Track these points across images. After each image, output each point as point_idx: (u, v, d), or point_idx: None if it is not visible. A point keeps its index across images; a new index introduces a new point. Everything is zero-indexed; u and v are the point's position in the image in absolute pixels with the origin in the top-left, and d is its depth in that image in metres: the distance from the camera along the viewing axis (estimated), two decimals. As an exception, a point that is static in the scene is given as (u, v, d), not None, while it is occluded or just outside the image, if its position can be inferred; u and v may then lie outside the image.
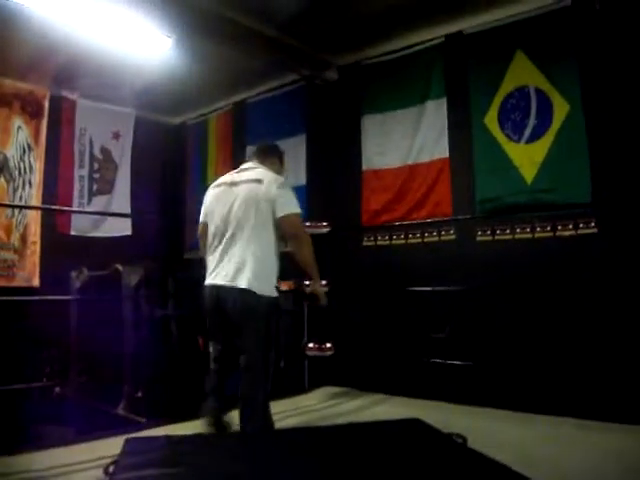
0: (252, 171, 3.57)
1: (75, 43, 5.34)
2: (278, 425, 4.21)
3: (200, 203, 3.77)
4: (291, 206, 3.41)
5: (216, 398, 3.62)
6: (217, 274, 3.40)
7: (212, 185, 3.72)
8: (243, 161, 7.15)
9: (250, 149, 7.29)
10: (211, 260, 3.49)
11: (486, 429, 3.96)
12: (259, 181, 3.43)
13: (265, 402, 3.41)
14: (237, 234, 3.37)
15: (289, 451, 2.99)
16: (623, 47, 4.47)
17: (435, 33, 5.64)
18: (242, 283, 3.28)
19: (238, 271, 3.31)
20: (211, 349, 3.68)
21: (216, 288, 3.38)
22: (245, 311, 3.30)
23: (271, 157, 3.80)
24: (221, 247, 3.43)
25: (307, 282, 3.71)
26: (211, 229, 3.53)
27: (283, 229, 3.38)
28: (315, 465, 2.74)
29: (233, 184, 3.53)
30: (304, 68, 6.33)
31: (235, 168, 7.16)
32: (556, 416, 4.27)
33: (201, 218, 3.68)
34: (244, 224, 3.36)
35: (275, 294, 3.42)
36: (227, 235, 3.40)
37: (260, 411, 3.38)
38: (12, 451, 3.56)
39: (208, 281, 3.47)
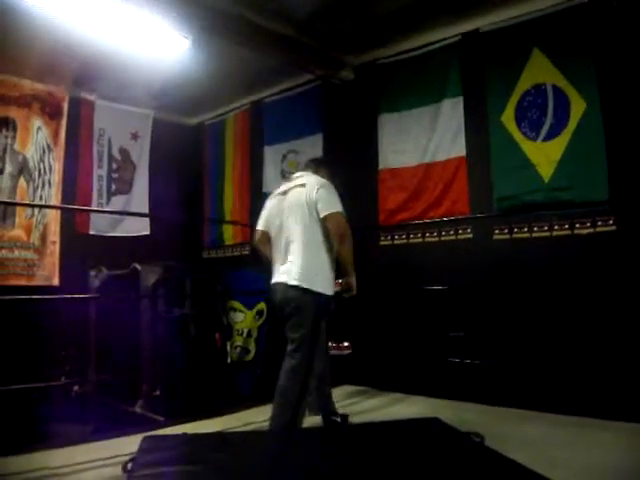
0: (300, 178, 3.89)
1: (93, 44, 5.38)
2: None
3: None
4: (333, 205, 3.65)
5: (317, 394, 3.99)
6: (276, 274, 3.77)
7: (270, 196, 4.06)
8: (261, 161, 7.30)
9: (270, 149, 7.34)
10: (274, 263, 3.84)
11: (504, 428, 3.95)
12: (303, 185, 3.77)
13: (298, 399, 3.51)
14: (290, 238, 3.70)
15: (308, 450, 3.00)
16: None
17: (451, 32, 5.62)
18: (292, 280, 3.58)
19: (290, 271, 3.62)
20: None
21: (274, 285, 3.75)
22: (293, 306, 3.59)
23: (323, 168, 4.08)
24: (280, 252, 3.77)
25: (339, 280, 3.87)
26: (272, 237, 3.88)
27: (327, 228, 3.63)
28: (335, 464, 2.75)
29: (285, 193, 3.87)
30: (320, 68, 6.33)
31: (253, 168, 7.24)
32: (576, 416, 4.24)
33: (258, 226, 4.04)
34: (294, 228, 3.69)
35: (327, 292, 3.65)
36: (283, 240, 3.74)
37: (289, 408, 3.49)
38: (31, 449, 3.59)
39: (274, 280, 3.79)
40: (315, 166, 4.08)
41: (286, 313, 3.66)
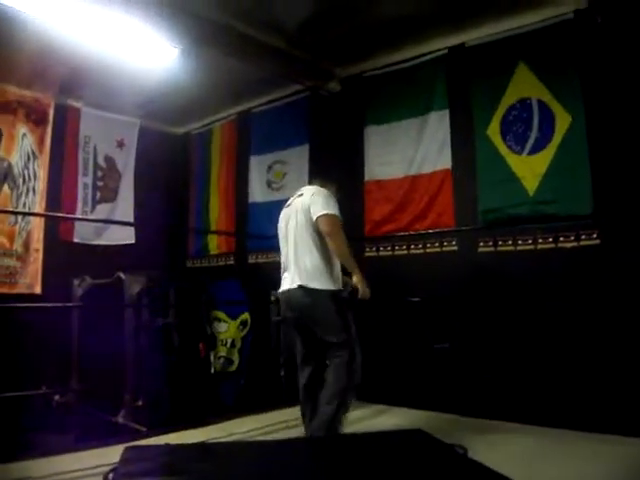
0: (302, 190, 4.08)
1: (81, 51, 5.36)
2: (279, 436, 4.22)
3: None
4: (324, 207, 3.76)
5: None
6: (284, 282, 3.92)
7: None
8: (247, 171, 7.31)
9: (256, 159, 7.34)
10: (281, 274, 3.99)
11: (488, 440, 3.95)
12: (301, 195, 3.99)
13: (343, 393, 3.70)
14: (294, 247, 3.87)
15: (290, 461, 2.99)
16: (624, 60, 4.49)
17: (437, 45, 5.66)
18: (297, 283, 3.77)
19: (295, 275, 3.80)
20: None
21: (283, 293, 3.92)
22: (310, 306, 3.75)
23: (329, 185, 4.14)
24: (287, 261, 3.93)
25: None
26: (281, 248, 4.06)
27: (320, 229, 3.76)
28: (317, 475, 2.74)
29: (290, 205, 4.06)
30: (308, 79, 6.36)
31: (239, 178, 7.25)
32: (559, 429, 4.25)
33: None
34: (296, 236, 3.87)
35: (336, 287, 3.82)
36: (289, 250, 3.91)
37: (334, 400, 3.68)
38: (12, 458, 3.55)
39: (282, 288, 3.95)
40: (321, 181, 4.16)
41: (305, 318, 3.81)
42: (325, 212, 3.73)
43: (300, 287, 3.74)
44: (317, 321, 3.76)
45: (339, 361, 3.69)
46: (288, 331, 3.91)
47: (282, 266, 3.99)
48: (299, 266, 3.79)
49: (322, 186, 4.01)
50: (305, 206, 3.84)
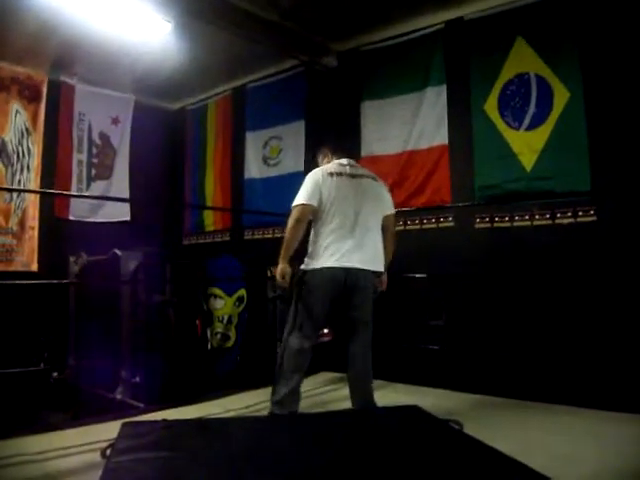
0: (362, 169, 4.04)
1: (74, 27, 5.32)
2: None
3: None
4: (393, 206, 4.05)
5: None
6: (349, 259, 3.67)
7: (324, 172, 3.81)
8: (243, 147, 7.23)
9: (251, 135, 7.29)
10: (334, 243, 3.69)
11: (483, 416, 3.98)
12: (375, 179, 3.97)
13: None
14: (368, 226, 3.77)
15: (287, 436, 3.00)
16: (624, 34, 4.44)
17: (435, 19, 5.60)
18: (379, 267, 3.82)
19: (370, 258, 3.74)
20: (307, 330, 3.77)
21: (346, 270, 3.65)
22: (365, 288, 3.76)
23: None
24: (351, 235, 3.71)
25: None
26: (337, 215, 3.71)
27: (388, 225, 3.97)
28: (313, 450, 2.75)
29: (353, 177, 3.86)
30: (304, 54, 6.30)
31: (234, 154, 7.14)
32: (553, 404, 4.28)
33: (309, 200, 3.70)
34: (373, 217, 3.83)
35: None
36: (358, 226, 3.73)
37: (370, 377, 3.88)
38: (10, 434, 3.56)
39: (333, 264, 3.65)
40: (348, 153, 4.13)
41: (352, 295, 3.73)
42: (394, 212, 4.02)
43: (371, 271, 3.76)
44: (364, 302, 3.79)
45: (370, 340, 3.83)
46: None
47: (333, 234, 3.70)
48: (370, 248, 3.76)
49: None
50: (379, 195, 3.92)
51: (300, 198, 3.68)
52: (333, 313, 3.81)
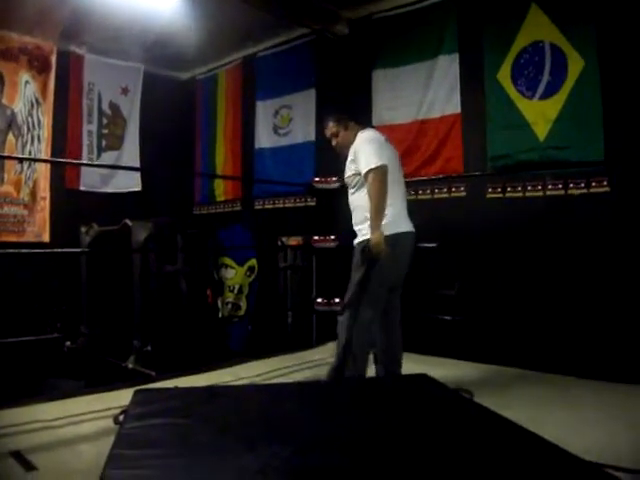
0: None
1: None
2: (285, 379, 4.27)
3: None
4: None
5: None
6: (408, 221, 3.86)
7: (379, 137, 3.90)
8: (253, 116, 7.19)
9: (262, 104, 7.25)
10: (396, 207, 3.76)
11: (493, 386, 3.99)
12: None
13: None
14: (403, 193, 3.95)
15: (297, 403, 3.02)
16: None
17: (449, -15, 5.50)
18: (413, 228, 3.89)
19: (409, 220, 3.88)
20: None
21: (413, 234, 3.85)
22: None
23: None
24: (402, 201, 3.88)
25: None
26: (395, 181, 3.79)
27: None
28: (323, 417, 2.77)
29: (390, 147, 3.95)
30: (315, 22, 6.22)
31: (244, 124, 7.11)
32: (565, 375, 4.28)
33: (384, 161, 3.68)
34: (402, 183, 3.99)
35: None
36: (401, 192, 3.89)
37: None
38: (24, 402, 3.61)
39: (406, 228, 3.80)
40: None
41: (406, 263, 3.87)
42: None
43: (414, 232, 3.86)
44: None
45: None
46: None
47: (397, 200, 3.80)
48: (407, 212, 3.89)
49: None
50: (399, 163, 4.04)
51: (374, 160, 3.62)
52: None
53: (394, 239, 3.62)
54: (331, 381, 3.70)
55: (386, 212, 3.59)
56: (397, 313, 3.89)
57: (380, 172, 3.58)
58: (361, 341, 3.61)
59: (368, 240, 3.57)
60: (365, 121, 5.54)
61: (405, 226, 3.77)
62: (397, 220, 3.71)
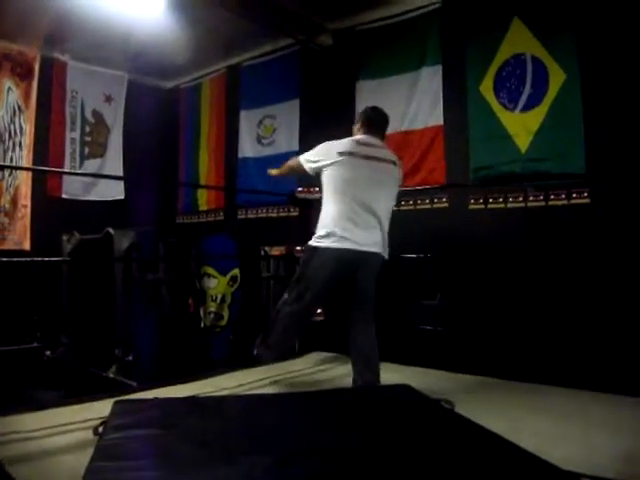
0: (385, 151, 3.96)
1: (66, 2, 5.25)
2: (267, 390, 4.25)
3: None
4: None
5: None
6: (353, 240, 3.68)
7: (334, 151, 3.80)
8: (237, 126, 7.19)
9: (246, 114, 7.24)
10: (346, 224, 3.69)
11: (474, 396, 3.99)
12: (395, 164, 3.94)
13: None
14: (378, 210, 3.75)
15: (279, 414, 3.01)
16: (622, 16, 4.40)
17: (432, -2, 5.55)
18: (379, 249, 3.81)
19: (377, 238, 3.79)
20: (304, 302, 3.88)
21: (354, 252, 3.69)
22: (372, 273, 3.88)
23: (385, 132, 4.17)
24: (360, 218, 3.71)
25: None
26: (348, 197, 3.71)
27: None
28: (304, 428, 2.76)
29: (369, 158, 3.79)
30: (298, 32, 6.25)
31: (228, 133, 7.08)
32: (546, 385, 4.30)
33: (316, 165, 3.87)
34: (384, 200, 3.84)
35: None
36: (368, 209, 3.72)
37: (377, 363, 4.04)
38: (4, 412, 3.56)
39: (344, 245, 3.68)
40: (382, 133, 4.09)
41: (361, 278, 3.85)
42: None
43: (379, 254, 3.82)
44: (369, 286, 3.93)
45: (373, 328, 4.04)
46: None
47: (345, 213, 3.70)
48: (380, 231, 3.80)
49: (383, 140, 4.06)
50: (395, 178, 3.96)
51: (307, 154, 3.96)
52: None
53: (322, 251, 3.72)
54: (311, 392, 3.71)
55: (329, 225, 3.71)
56: (358, 328, 3.99)
57: (297, 162, 4.03)
58: (277, 328, 3.91)
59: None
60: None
61: (353, 245, 3.70)
62: (332, 236, 3.70)
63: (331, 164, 3.75)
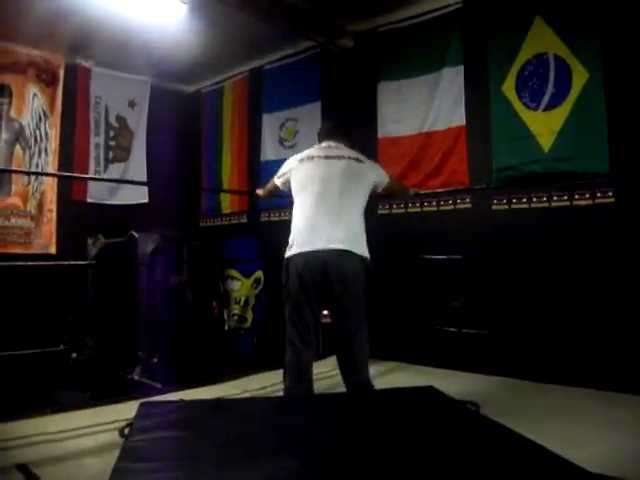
0: (347, 150, 3.78)
1: (90, 9, 5.31)
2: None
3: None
4: (385, 174, 3.90)
5: None
6: (307, 241, 3.52)
7: (296, 159, 3.85)
8: (259, 129, 7.21)
9: (268, 117, 7.27)
10: (304, 227, 3.59)
11: (500, 398, 3.97)
12: (360, 161, 3.73)
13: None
14: (340, 206, 3.54)
15: (304, 416, 3.01)
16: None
17: (453, -2, 5.54)
18: (339, 245, 3.46)
19: (343, 239, 3.49)
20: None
21: (317, 253, 3.46)
22: (352, 273, 3.53)
23: (348, 137, 3.99)
24: (314, 216, 3.55)
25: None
26: (307, 198, 3.61)
27: (391, 191, 4.13)
28: (328, 431, 2.76)
29: (328, 158, 3.70)
30: (320, 35, 6.26)
31: (251, 136, 7.13)
32: (571, 386, 4.26)
33: (284, 177, 3.92)
34: (341, 193, 3.57)
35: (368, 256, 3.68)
36: (330, 206, 3.53)
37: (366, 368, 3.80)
38: (30, 414, 3.62)
39: (300, 250, 3.55)
40: (348, 141, 3.93)
41: (329, 282, 3.50)
42: (389, 177, 3.92)
43: (349, 252, 3.47)
44: (346, 296, 3.58)
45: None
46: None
47: (304, 217, 3.60)
48: (344, 228, 3.50)
49: (352, 147, 3.86)
50: (362, 175, 3.68)
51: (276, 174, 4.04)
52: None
53: (288, 261, 3.64)
54: (337, 394, 3.70)
55: (292, 234, 3.68)
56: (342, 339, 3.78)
57: (272, 182, 4.14)
58: (287, 357, 3.75)
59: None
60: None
61: (308, 245, 3.52)
62: (294, 244, 3.62)
63: (294, 171, 3.77)
